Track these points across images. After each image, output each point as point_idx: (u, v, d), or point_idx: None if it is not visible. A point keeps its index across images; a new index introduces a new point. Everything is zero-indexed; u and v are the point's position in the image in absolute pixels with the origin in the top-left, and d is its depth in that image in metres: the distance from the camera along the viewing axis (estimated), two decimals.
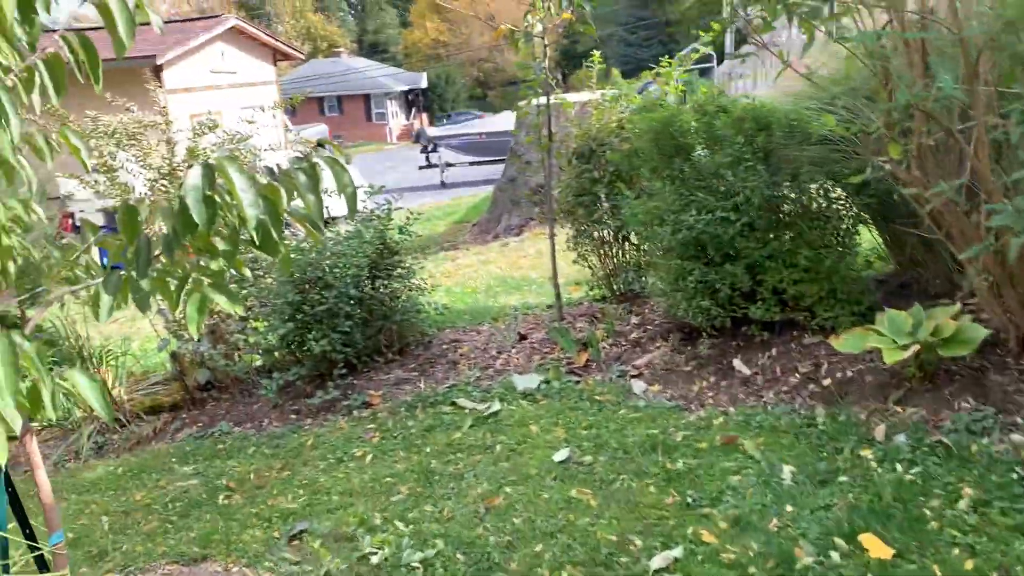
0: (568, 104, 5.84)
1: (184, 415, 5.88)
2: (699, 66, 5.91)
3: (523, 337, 5.86)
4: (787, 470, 3.56)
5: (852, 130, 3.71)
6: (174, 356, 5.84)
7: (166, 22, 22.68)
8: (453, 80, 49.36)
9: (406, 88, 47.05)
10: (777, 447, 3.79)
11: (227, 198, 2.74)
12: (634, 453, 3.95)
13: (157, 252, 2.72)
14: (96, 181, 5.70)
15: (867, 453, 3.57)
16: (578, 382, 4.97)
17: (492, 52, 52.03)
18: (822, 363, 4.38)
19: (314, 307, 5.26)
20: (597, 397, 4.71)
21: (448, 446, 4.49)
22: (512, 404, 4.85)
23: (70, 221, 10.99)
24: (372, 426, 5.00)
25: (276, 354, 5.76)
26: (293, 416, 5.47)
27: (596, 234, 5.96)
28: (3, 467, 3.14)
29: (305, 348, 5.33)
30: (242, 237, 2.88)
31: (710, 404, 4.38)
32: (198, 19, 21.27)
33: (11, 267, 3.24)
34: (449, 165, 21.29)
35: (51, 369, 2.59)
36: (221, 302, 2.88)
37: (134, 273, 2.69)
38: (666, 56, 6.12)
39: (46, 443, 6.01)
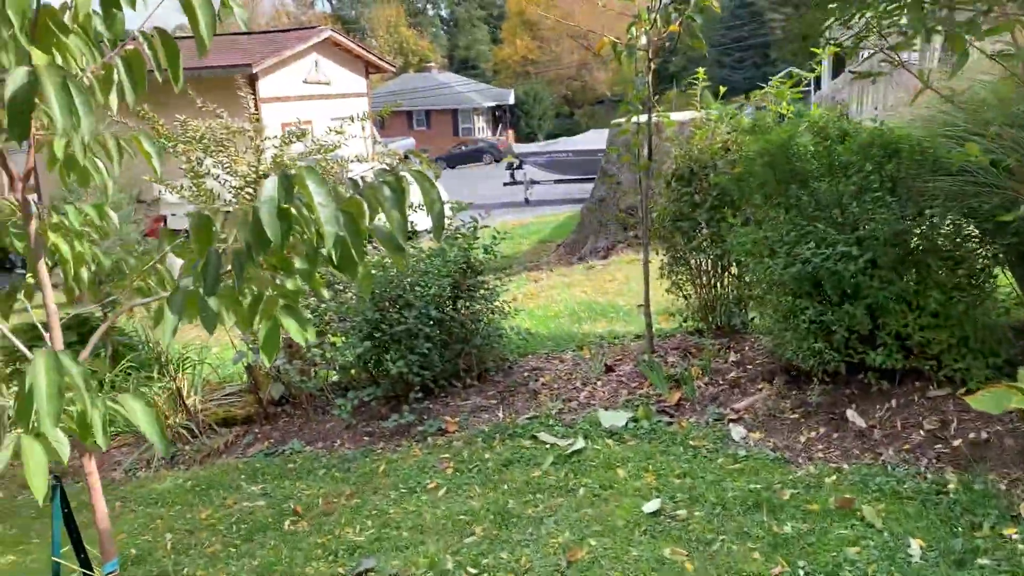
0: (670, 122, 5.48)
1: (256, 429, 5.72)
2: (794, 90, 5.52)
3: (610, 369, 5.51)
4: (915, 545, 3.11)
5: (1004, 163, 3.26)
6: (249, 369, 5.70)
7: (263, 32, 23.20)
8: (541, 97, 49.34)
9: (493, 104, 47.26)
10: (901, 516, 3.33)
11: (305, 212, 2.50)
12: (734, 510, 3.55)
13: (228, 268, 2.49)
14: (182, 186, 5.62)
15: (1012, 532, 3.09)
16: (670, 423, 4.58)
17: (581, 71, 51.86)
18: (950, 420, 3.89)
19: (393, 326, 5.03)
20: (691, 441, 4.31)
21: (527, 484, 4.16)
22: (597, 442, 4.50)
23: (163, 225, 11.14)
24: (447, 455, 4.72)
25: (352, 371, 5.55)
26: (366, 438, 5.24)
27: (693, 262, 5.57)
28: (58, 487, 2.96)
29: (382, 368, 5.10)
30: (321, 254, 2.65)
31: (820, 458, 3.93)
32: (294, 30, 21.68)
33: (84, 273, 3.08)
34: (534, 183, 21.06)
35: (115, 385, 2.40)
36: (291, 329, 2.65)
37: (201, 290, 2.47)
38: (775, 78, 5.71)
39: (119, 449, 5.94)
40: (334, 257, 2.49)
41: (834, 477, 3.72)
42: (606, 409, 4.88)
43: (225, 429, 5.79)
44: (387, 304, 5.09)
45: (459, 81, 48.38)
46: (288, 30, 22.51)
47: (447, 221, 5.66)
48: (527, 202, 20.37)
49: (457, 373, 5.43)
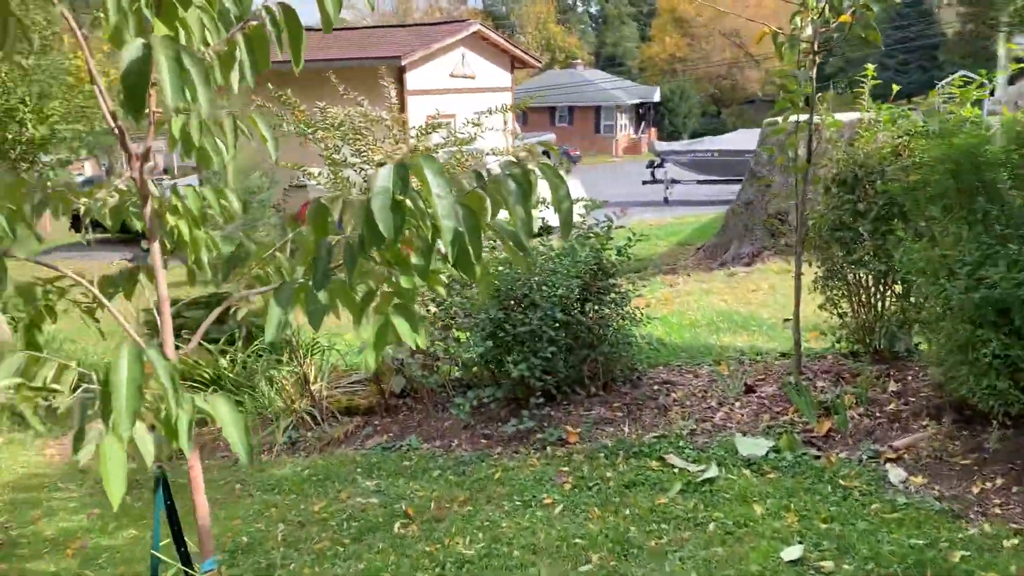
0: (835, 122, 4.96)
1: (377, 421, 5.63)
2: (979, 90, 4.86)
3: (750, 389, 5.05)
4: None
5: None
6: None
7: (415, 25, 23.57)
8: (687, 95, 48.10)
9: (637, 102, 46.47)
10: None
11: (422, 204, 2.26)
12: (892, 568, 3.08)
13: (341, 261, 2.30)
14: (320, 172, 5.59)
15: None
16: (817, 456, 4.11)
17: (731, 69, 50.21)
18: None
19: (516, 327, 4.78)
20: (841, 481, 3.84)
21: (651, 512, 3.82)
22: (732, 472, 4.10)
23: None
24: (566, 469, 4.44)
25: (474, 369, 5.36)
26: (483, 441, 5.03)
27: (852, 277, 5.03)
28: (161, 479, 2.87)
29: (503, 369, 4.87)
30: (438, 250, 2.41)
31: (997, 515, 3.39)
32: (444, 23, 21.91)
33: (204, 257, 2.98)
34: (675, 182, 20.41)
35: (246, 366, 2.24)
36: (402, 330, 2.43)
37: (311, 282, 2.29)
38: (954, 78, 5.06)
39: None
40: (450, 254, 2.25)
41: (1016, 540, 3.18)
42: (744, 434, 4.46)
43: (347, 418, 5.74)
44: (512, 303, 4.86)
45: (604, 78, 47.85)
46: (438, 23, 22.80)
47: (579, 219, 5.36)
48: (667, 202, 19.76)
49: (581, 380, 5.14)
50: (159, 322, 2.60)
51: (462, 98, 18.92)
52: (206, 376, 6.26)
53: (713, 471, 4.08)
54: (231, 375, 6.24)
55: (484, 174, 2.36)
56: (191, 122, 2.44)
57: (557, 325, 4.83)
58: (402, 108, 17.27)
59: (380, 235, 2.08)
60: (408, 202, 2.12)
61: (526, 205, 2.31)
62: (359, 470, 4.96)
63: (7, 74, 8.05)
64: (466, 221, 2.24)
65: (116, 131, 2.44)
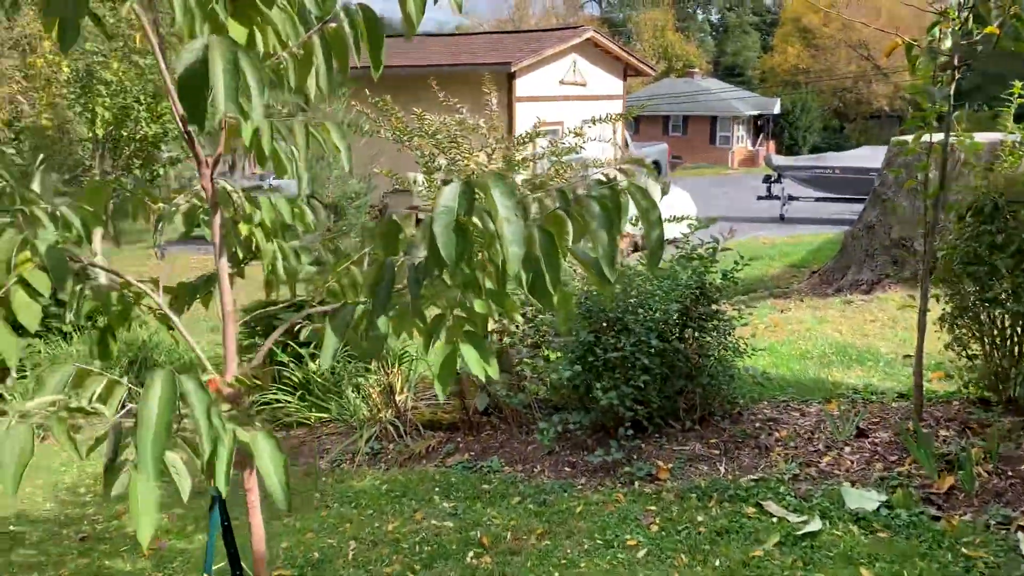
0: (976, 145, 4.47)
1: (459, 438, 5.47)
2: None
3: (862, 433, 4.61)
4: None
5: None
6: (457, 375, 5.44)
7: (526, 31, 23.48)
8: (808, 108, 46.33)
9: (755, 113, 45.08)
10: None
11: (491, 226, 2.04)
12: None
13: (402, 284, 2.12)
14: (414, 179, 5.48)
15: None
16: (936, 517, 3.67)
17: (857, 82, 48.09)
18: None
19: (607, 352, 4.51)
20: (964, 548, 3.40)
21: (744, 565, 3.48)
22: (838, 526, 3.70)
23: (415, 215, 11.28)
24: (653, 508, 4.14)
25: (562, 391, 5.11)
26: (567, 469, 4.78)
27: (986, 316, 4.52)
28: (217, 499, 2.75)
29: (592, 396, 4.60)
30: (510, 274, 2.19)
31: None
32: (556, 30, 21.76)
33: (279, 267, 2.87)
34: (792, 199, 19.54)
35: (335, 371, 2.06)
36: (470, 359, 2.22)
37: (371, 307, 2.12)
38: None
39: (329, 436, 5.95)
40: (524, 281, 2.04)
41: None
42: (853, 484, 4.04)
43: (429, 432, 5.60)
44: (604, 326, 4.59)
45: (721, 88, 46.66)
46: (550, 30, 22.67)
47: (681, 236, 5.04)
48: (782, 219, 18.94)
49: (676, 412, 4.81)
50: (223, 339, 2.49)
51: (572, 105, 18.72)
52: (295, 380, 6.26)
53: (816, 524, 3.70)
54: (319, 380, 6.22)
55: (568, 194, 2.14)
56: (263, 129, 2.31)
57: (652, 352, 4.53)
58: (510, 115, 17.22)
59: (442, 259, 1.88)
60: (479, 223, 1.91)
61: (611, 231, 2.08)
62: (437, 489, 4.80)
63: (124, 73, 8.35)
64: (542, 246, 2.03)
65: (185, 135, 2.33)
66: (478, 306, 2.26)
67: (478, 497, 4.60)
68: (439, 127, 5.17)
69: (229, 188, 2.75)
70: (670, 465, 4.53)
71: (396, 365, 6.18)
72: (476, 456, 5.18)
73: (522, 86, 17.62)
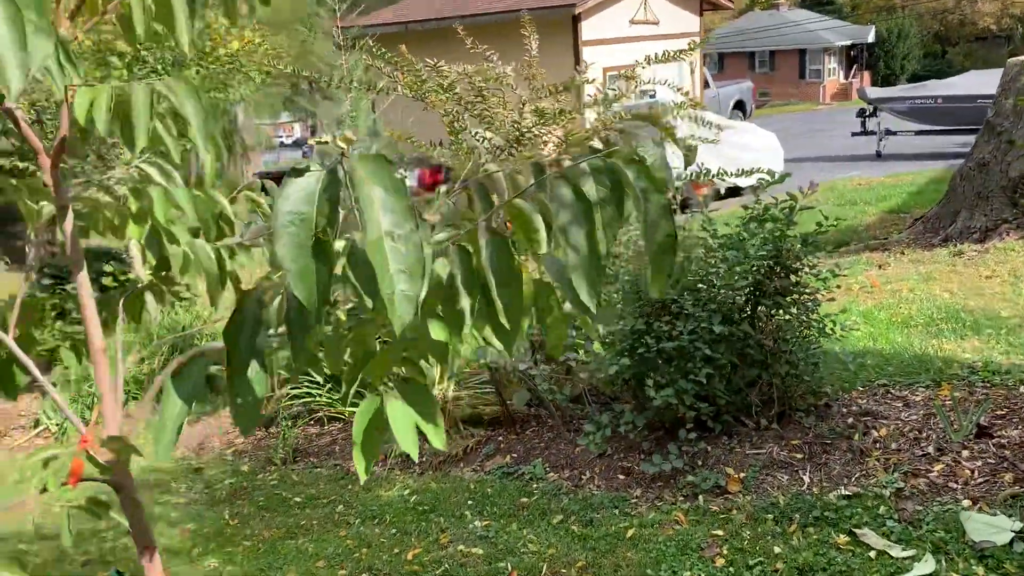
0: None
1: (500, 438, 4.81)
2: None
3: (983, 430, 3.72)
4: None
5: None
6: (491, 369, 4.76)
7: None
8: (906, 34, 43.10)
9: (848, 43, 42.25)
10: None
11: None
12: None
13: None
14: (440, 143, 4.76)
15: None
16: None
17: (960, 2, 44.42)
18: None
19: (660, 341, 3.74)
20: None
21: None
22: (957, 566, 2.89)
23: (442, 176, 10.49)
24: (720, 533, 3.40)
25: (613, 386, 4.38)
26: (620, 477, 4.07)
27: None
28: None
29: (644, 392, 3.85)
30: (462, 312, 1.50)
31: None
32: None
33: (198, 280, 2.26)
34: (890, 133, 17.85)
35: None
36: (398, 424, 1.57)
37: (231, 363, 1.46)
38: None
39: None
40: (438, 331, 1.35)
41: None
42: (974, 504, 3.20)
43: (469, 429, 4.95)
44: (656, 310, 3.81)
45: (810, 18, 43.86)
46: None
47: (751, 182, 4.17)
48: (879, 156, 17.35)
49: (748, 408, 4.01)
50: (97, 383, 1.89)
51: (643, 47, 17.51)
52: (327, 372, 5.70)
53: (928, 564, 2.90)
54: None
55: (546, 170, 1.46)
56: (100, 98, 1.63)
57: (715, 339, 3.74)
58: (576, 60, 16.18)
59: (303, 320, 1.21)
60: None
61: (591, 230, 1.37)
62: (470, 502, 4.16)
63: (140, 43, 7.82)
64: (492, 258, 1.37)
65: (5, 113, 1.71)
66: (434, 331, 1.57)
67: (514, 515, 3.94)
68: (455, 79, 4.41)
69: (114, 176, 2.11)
70: (742, 474, 3.76)
71: None
72: (518, 459, 4.52)
73: (588, 29, 16.55)
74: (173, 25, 1.64)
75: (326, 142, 1.21)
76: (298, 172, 1.11)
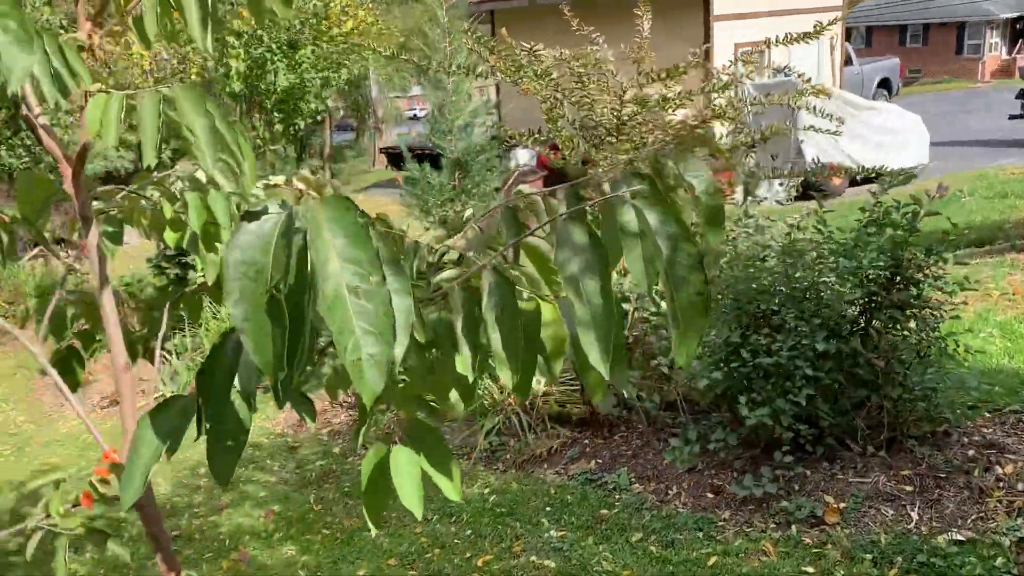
0: None
1: (586, 440, 4.63)
2: None
3: None
4: None
5: None
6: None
7: None
8: None
9: (1014, 15, 38.83)
10: None
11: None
12: None
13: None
14: (528, 132, 4.57)
15: None
16: None
17: None
18: None
19: (757, 355, 3.45)
20: None
21: None
22: None
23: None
24: (810, 570, 3.12)
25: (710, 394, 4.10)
26: (709, 496, 3.81)
27: None
28: None
29: (736, 410, 3.58)
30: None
31: None
32: None
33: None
34: None
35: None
36: (401, 480, 1.45)
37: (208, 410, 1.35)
38: None
39: (450, 423, 5.30)
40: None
41: None
42: None
43: (555, 428, 4.78)
44: (752, 321, 3.51)
45: None
46: None
47: (877, 191, 3.77)
48: None
49: (853, 432, 3.66)
50: (120, 404, 1.85)
51: (781, 22, 16.60)
52: None
53: None
54: None
55: (575, 197, 1.28)
56: (110, 108, 1.55)
57: (819, 357, 3.41)
58: (706, 38, 15.51)
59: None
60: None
61: (605, 282, 1.21)
62: (548, 508, 4.02)
63: (257, 23, 7.94)
64: (498, 302, 1.20)
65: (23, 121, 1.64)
66: (459, 365, 1.44)
67: (592, 527, 3.76)
68: (551, 64, 4.19)
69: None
70: (842, 504, 3.43)
71: None
72: (603, 465, 4.33)
73: (720, 3, 15.82)
74: (187, 23, 1.53)
75: (276, 185, 1.06)
76: (252, 215, 0.97)
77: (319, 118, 10.10)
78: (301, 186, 0.96)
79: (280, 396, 1.20)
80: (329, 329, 0.91)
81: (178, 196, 1.89)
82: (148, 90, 1.44)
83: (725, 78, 4.89)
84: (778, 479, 3.59)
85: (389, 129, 22.89)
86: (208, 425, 1.24)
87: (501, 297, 1.20)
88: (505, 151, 7.99)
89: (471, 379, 1.23)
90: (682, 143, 4.41)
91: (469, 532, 3.94)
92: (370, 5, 9.04)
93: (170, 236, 1.95)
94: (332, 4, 8.13)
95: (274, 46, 8.03)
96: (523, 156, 12.36)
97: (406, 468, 1.40)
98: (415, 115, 32.74)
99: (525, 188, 1.49)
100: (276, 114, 8.79)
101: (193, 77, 8.25)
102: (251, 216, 0.96)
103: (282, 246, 0.94)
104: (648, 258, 1.16)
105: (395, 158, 16.40)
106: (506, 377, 1.21)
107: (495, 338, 1.20)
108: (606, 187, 1.31)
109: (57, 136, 1.65)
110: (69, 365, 2.15)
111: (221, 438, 1.24)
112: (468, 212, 1.53)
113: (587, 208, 1.40)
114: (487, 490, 4.35)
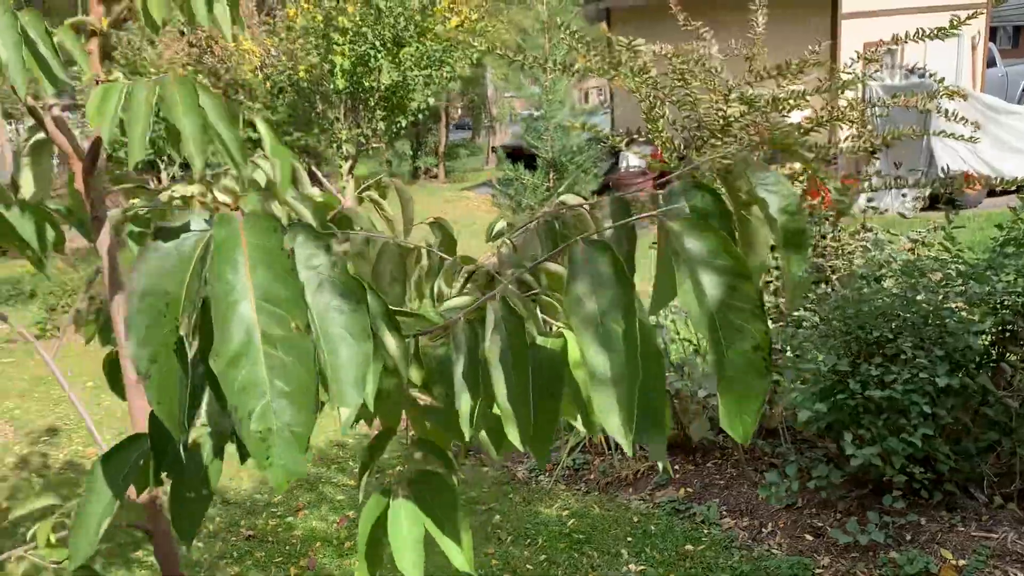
0: None
1: (676, 465, 4.32)
2: None
3: None
4: None
5: None
6: (668, 393, 4.25)
7: None
8: None
9: None
10: None
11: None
12: None
13: None
14: (626, 132, 4.29)
15: None
16: None
17: None
18: None
19: (867, 387, 3.06)
20: None
21: None
22: None
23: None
24: None
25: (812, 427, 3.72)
26: (808, 538, 3.44)
27: None
28: None
29: (841, 447, 3.20)
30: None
31: None
32: None
33: None
34: None
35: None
36: (399, 544, 1.21)
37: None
38: None
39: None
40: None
41: None
42: None
43: (644, 450, 4.49)
44: (862, 348, 3.13)
45: None
46: None
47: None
48: None
49: (978, 479, 3.21)
50: (130, 417, 1.70)
51: (916, 20, 15.54)
52: None
53: None
54: None
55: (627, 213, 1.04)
56: (108, 99, 1.39)
57: (940, 393, 3.00)
58: (833, 36, 14.67)
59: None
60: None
61: (630, 328, 0.93)
62: (629, 539, 3.74)
63: (362, 19, 7.92)
64: (505, 341, 0.99)
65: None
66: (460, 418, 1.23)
67: (675, 564, 3.46)
68: (649, 60, 3.89)
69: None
70: (961, 562, 3.01)
71: None
72: (692, 495, 4.01)
73: (850, 1, 14.95)
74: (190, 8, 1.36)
75: (181, 198, 0.85)
76: (166, 232, 0.77)
77: (423, 116, 10.03)
78: (223, 198, 0.76)
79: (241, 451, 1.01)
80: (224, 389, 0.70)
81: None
82: (144, 80, 1.27)
83: (846, 77, 4.48)
84: (887, 526, 3.19)
85: (503, 127, 22.89)
86: (172, 485, 1.06)
87: (508, 333, 0.97)
88: (607, 153, 7.65)
89: (467, 436, 1.00)
90: (763, 147, 4.03)
91: (543, 558, 3.71)
92: (475, 3, 8.93)
93: None
94: (439, 0, 8.05)
95: (377, 43, 8.01)
96: (633, 157, 11.98)
97: (406, 528, 1.20)
98: (531, 114, 32.73)
99: (632, 190, 1.26)
100: (378, 112, 8.77)
101: (301, 74, 8.35)
102: (165, 233, 0.76)
103: (198, 273, 0.74)
104: (631, 332, 0.90)
105: (512, 156, 16.37)
106: (512, 436, 0.98)
107: (498, 384, 0.97)
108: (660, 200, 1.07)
109: (69, 128, 1.52)
110: (118, 372, 2.04)
111: (180, 488, 1.06)
112: (499, 225, 1.31)
113: (632, 225, 1.16)
114: (566, 512, 4.10)
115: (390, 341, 1.04)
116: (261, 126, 1.63)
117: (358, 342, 0.85)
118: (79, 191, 1.55)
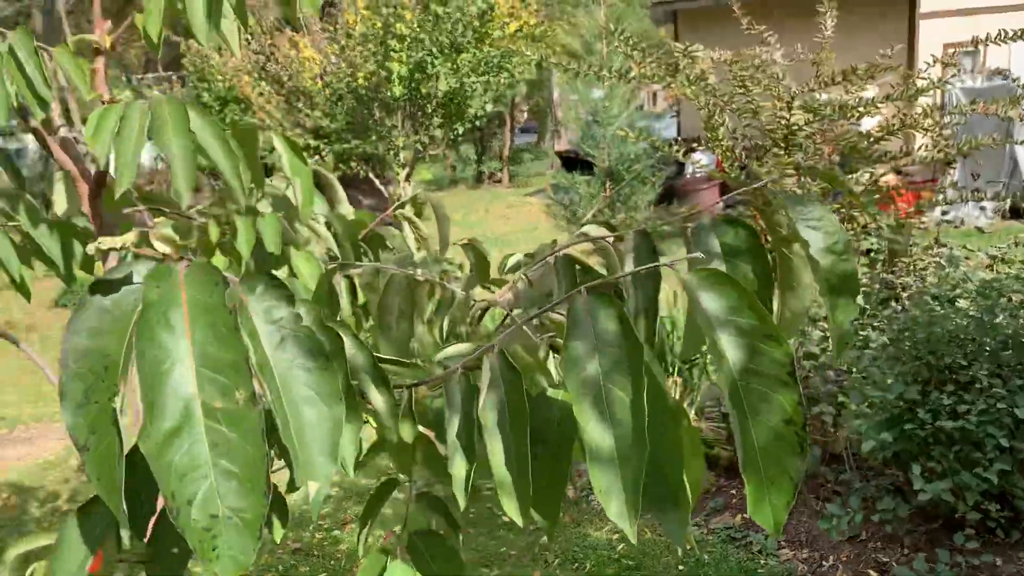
0: None
1: (734, 490, 4.13)
2: None
3: None
4: None
5: None
6: (724, 415, 4.08)
7: None
8: None
9: None
10: None
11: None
12: None
13: None
14: (681, 141, 4.13)
15: None
16: None
17: None
18: None
19: (937, 417, 2.85)
20: None
21: None
22: None
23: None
24: None
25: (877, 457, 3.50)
26: (872, 573, 3.23)
27: None
28: None
29: (908, 479, 2.99)
30: None
31: None
32: None
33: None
34: None
35: None
36: None
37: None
38: None
39: None
40: None
41: None
42: None
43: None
44: (933, 375, 2.91)
45: None
46: None
47: None
48: None
49: None
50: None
51: (1002, 19, 14.85)
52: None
53: None
54: None
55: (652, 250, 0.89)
56: (105, 120, 1.33)
57: (1019, 424, 2.77)
58: (911, 37, 14.12)
59: None
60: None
61: (637, 396, 0.79)
62: (681, 567, 3.59)
63: (419, 26, 7.86)
64: (505, 405, 0.87)
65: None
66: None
67: None
68: (706, 69, 3.73)
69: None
70: None
71: (673, 372, 4.95)
72: (749, 522, 3.82)
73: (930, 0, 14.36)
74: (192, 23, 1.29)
75: (110, 250, 0.75)
76: (105, 285, 0.68)
77: (481, 122, 9.94)
78: (162, 248, 0.67)
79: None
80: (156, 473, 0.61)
81: (222, 219, 1.67)
82: (136, 102, 1.21)
83: (922, 83, 4.24)
84: (959, 565, 2.97)
85: (568, 132, 22.77)
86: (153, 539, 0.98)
87: (507, 392, 0.86)
88: (663, 161, 7.44)
89: (461, 505, 0.89)
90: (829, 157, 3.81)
91: None
92: (534, 7, 8.82)
93: (219, 261, 1.75)
94: (498, 5, 7.95)
95: (435, 49, 7.97)
96: (703, 157, 11.72)
97: None
98: (587, 121, 32.53)
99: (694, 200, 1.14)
100: (435, 118, 8.73)
101: (360, 82, 8.36)
102: (104, 286, 0.67)
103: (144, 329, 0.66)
104: (638, 394, 0.78)
105: (569, 162, 16.24)
106: (510, 509, 0.87)
107: (494, 450, 0.86)
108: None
109: (77, 150, 1.47)
110: None
111: (157, 559, 0.98)
112: (513, 259, 1.20)
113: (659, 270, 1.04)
114: (615, 536, 3.96)
115: (376, 397, 0.94)
116: (279, 143, 1.56)
117: (328, 404, 0.75)
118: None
